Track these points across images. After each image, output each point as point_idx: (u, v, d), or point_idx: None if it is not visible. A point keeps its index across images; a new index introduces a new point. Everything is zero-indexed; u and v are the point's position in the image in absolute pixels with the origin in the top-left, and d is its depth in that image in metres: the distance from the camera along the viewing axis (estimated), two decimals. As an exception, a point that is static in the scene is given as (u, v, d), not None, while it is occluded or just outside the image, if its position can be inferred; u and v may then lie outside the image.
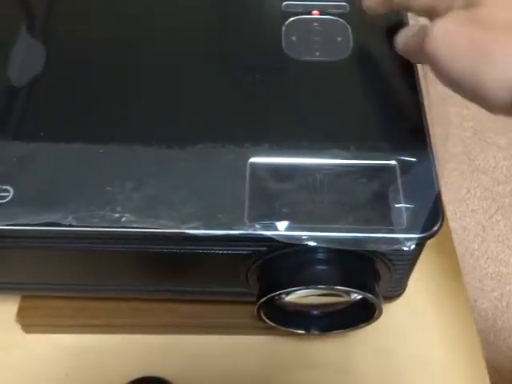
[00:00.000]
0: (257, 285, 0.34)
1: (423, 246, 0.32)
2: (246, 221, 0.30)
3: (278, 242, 0.30)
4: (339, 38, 0.39)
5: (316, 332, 0.37)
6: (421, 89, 0.35)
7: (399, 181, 0.31)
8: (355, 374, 0.41)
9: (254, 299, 0.34)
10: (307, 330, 0.37)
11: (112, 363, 0.41)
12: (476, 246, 0.93)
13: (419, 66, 0.37)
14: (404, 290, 0.37)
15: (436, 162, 0.32)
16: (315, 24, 0.39)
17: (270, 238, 0.30)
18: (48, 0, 0.41)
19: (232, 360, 0.41)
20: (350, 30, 0.39)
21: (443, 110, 0.35)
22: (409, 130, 0.34)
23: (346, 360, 0.42)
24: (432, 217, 0.30)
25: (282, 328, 0.36)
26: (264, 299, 0.33)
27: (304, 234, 0.30)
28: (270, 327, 0.37)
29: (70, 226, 0.30)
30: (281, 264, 0.32)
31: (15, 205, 0.31)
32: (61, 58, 0.37)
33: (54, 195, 0.31)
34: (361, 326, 0.36)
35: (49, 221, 0.30)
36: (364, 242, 0.30)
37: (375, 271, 0.33)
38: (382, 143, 0.33)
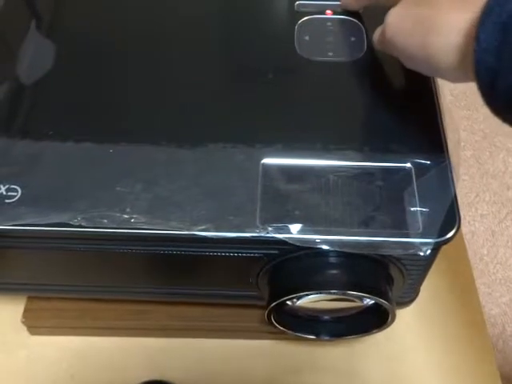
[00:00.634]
0: (267, 289, 0.33)
1: (438, 250, 0.31)
2: (257, 223, 0.29)
3: (290, 245, 0.29)
4: (353, 38, 0.38)
5: (326, 338, 0.36)
6: (436, 90, 0.35)
7: (415, 184, 0.31)
8: (364, 379, 0.41)
9: (263, 303, 0.33)
10: (317, 335, 0.36)
11: (118, 365, 0.41)
12: (485, 252, 0.92)
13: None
14: (417, 295, 0.36)
15: (452, 165, 0.32)
16: (328, 24, 0.39)
17: (283, 241, 0.29)
18: (56, 1, 0.40)
19: (239, 364, 0.41)
20: (363, 29, 0.38)
21: (452, 114, 0.34)
22: (424, 131, 0.33)
23: (355, 365, 0.41)
24: (448, 221, 0.30)
25: (292, 333, 0.36)
26: (274, 304, 0.32)
27: (317, 237, 0.29)
28: (279, 331, 0.36)
29: (79, 226, 0.29)
30: (292, 268, 0.31)
31: (23, 204, 0.30)
32: (70, 56, 0.37)
33: (62, 195, 0.31)
34: (373, 332, 0.35)
35: (57, 221, 0.29)
36: (378, 246, 0.29)
37: (389, 276, 0.32)
38: (396, 145, 0.32)
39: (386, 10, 0.36)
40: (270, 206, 0.30)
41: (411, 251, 0.29)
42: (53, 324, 0.40)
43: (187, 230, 0.29)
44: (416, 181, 0.31)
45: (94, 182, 0.31)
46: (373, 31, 0.38)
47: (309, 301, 0.32)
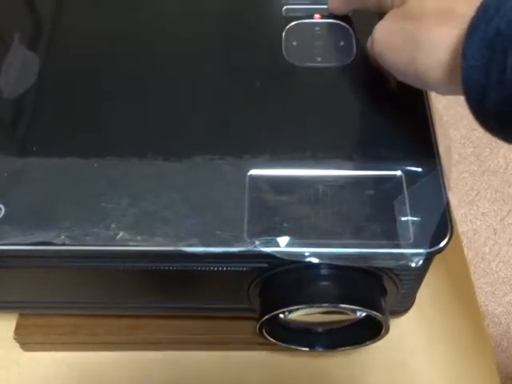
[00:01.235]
0: (258, 301, 0.33)
1: (432, 260, 0.30)
2: (245, 237, 0.29)
3: (279, 258, 0.29)
4: (342, 43, 0.37)
5: (320, 349, 0.35)
6: (427, 96, 0.34)
7: (405, 192, 0.30)
8: (363, 389, 0.40)
9: (255, 315, 0.33)
10: (311, 347, 0.35)
11: (112, 380, 0.40)
12: (487, 250, 0.91)
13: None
14: (412, 304, 0.36)
15: (444, 172, 0.31)
16: (316, 28, 0.38)
17: (271, 254, 0.28)
18: (40, 12, 0.40)
19: (234, 376, 0.40)
20: (352, 33, 0.37)
21: (443, 119, 0.34)
22: (415, 138, 0.32)
23: (352, 374, 0.40)
24: (440, 230, 0.29)
25: (285, 345, 0.35)
26: (266, 317, 0.31)
27: (306, 250, 0.29)
28: (274, 343, 0.35)
29: (63, 245, 0.29)
30: (283, 281, 0.31)
31: (7, 223, 0.30)
32: (53, 70, 0.36)
33: (46, 212, 0.30)
34: (367, 343, 0.34)
35: (41, 240, 0.29)
36: (369, 257, 0.29)
37: (381, 287, 0.31)
38: (386, 152, 0.32)
39: (375, 14, 0.35)
40: (258, 218, 0.29)
41: (403, 262, 0.28)
42: (45, 340, 0.40)
43: (173, 246, 0.29)
44: (407, 189, 0.30)
45: (78, 198, 0.31)
46: (362, 35, 0.37)
47: (300, 314, 0.32)
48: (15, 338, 0.39)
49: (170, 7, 0.40)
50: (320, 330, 0.35)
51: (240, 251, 0.29)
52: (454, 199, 0.94)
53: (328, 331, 0.35)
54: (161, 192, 0.31)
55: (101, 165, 0.32)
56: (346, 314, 0.32)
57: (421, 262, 0.28)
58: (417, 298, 0.36)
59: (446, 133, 0.32)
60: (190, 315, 0.38)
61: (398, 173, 0.31)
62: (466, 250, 0.88)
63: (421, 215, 0.29)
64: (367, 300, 0.30)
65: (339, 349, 0.35)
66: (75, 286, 0.34)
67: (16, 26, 0.39)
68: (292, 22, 0.38)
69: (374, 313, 0.30)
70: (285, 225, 0.29)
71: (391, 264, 0.29)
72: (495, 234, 0.92)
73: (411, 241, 0.29)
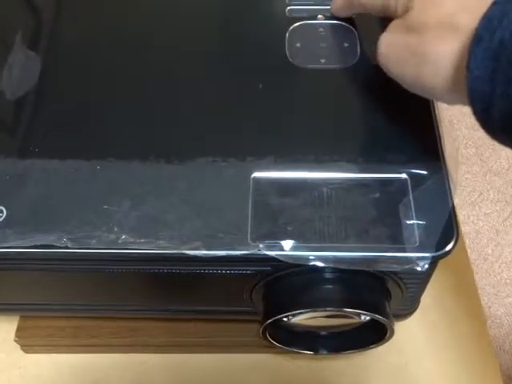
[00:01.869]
0: (262, 305, 0.32)
1: (437, 264, 0.30)
2: (249, 240, 0.29)
3: (283, 262, 0.28)
4: (346, 44, 0.37)
5: (324, 352, 0.35)
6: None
7: (411, 195, 0.30)
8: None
9: (259, 318, 0.32)
10: (315, 350, 0.35)
11: (113, 383, 0.40)
12: (490, 251, 0.91)
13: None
14: (417, 307, 0.35)
15: (449, 175, 0.31)
16: (320, 29, 0.38)
17: (275, 258, 0.28)
18: (40, 13, 0.40)
19: (237, 378, 0.40)
20: (356, 35, 0.37)
21: (451, 120, 0.33)
22: (420, 140, 0.32)
23: (355, 378, 0.40)
24: (446, 234, 0.29)
25: (289, 349, 0.35)
26: (269, 321, 0.31)
27: (310, 253, 0.28)
28: (277, 346, 0.35)
29: (66, 247, 0.29)
30: (286, 285, 0.30)
31: (8, 226, 0.29)
32: (55, 72, 0.36)
33: (48, 215, 0.30)
34: (371, 347, 0.34)
35: (43, 243, 0.29)
36: (374, 261, 0.28)
37: (386, 291, 0.31)
38: (391, 155, 0.31)
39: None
40: (262, 221, 0.29)
41: (408, 266, 0.28)
42: (47, 342, 0.40)
43: (176, 249, 0.29)
44: (412, 192, 0.30)
45: (80, 201, 0.30)
46: (367, 36, 0.37)
47: (304, 318, 0.31)
48: (16, 341, 0.39)
49: (171, 8, 0.39)
50: (324, 333, 0.35)
51: (244, 255, 0.28)
52: (457, 200, 0.93)
53: (332, 335, 0.35)
54: (163, 195, 0.30)
55: (103, 167, 0.31)
56: (351, 317, 0.32)
57: (426, 266, 0.28)
58: (422, 303, 0.36)
59: (452, 136, 0.32)
60: (192, 318, 0.38)
61: (404, 176, 0.30)
62: (468, 251, 0.87)
63: (426, 219, 0.29)
64: (371, 304, 0.30)
65: (343, 352, 0.35)
66: (77, 288, 0.34)
67: (18, 27, 0.38)
68: (295, 22, 0.38)
69: (379, 316, 0.30)
70: (289, 228, 0.29)
71: (396, 268, 0.28)
72: (498, 234, 0.92)
73: (417, 245, 0.28)
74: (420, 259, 0.28)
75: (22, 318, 0.40)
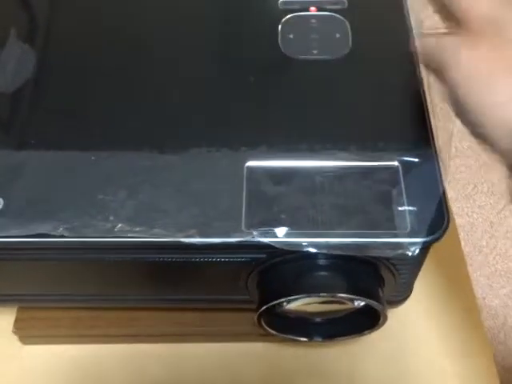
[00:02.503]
0: (257, 292, 0.33)
1: (428, 249, 0.31)
2: (243, 228, 0.29)
3: (277, 248, 0.29)
4: (337, 35, 0.37)
5: (319, 339, 0.36)
6: (423, 87, 0.34)
7: (402, 182, 0.30)
8: (361, 380, 0.40)
9: (254, 306, 0.33)
10: (310, 337, 0.36)
11: (112, 373, 0.40)
12: (484, 243, 0.92)
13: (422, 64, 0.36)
14: (409, 294, 0.36)
15: (440, 162, 0.31)
16: (313, 21, 0.38)
17: (269, 245, 0.29)
18: (37, 6, 0.40)
19: (234, 367, 0.40)
20: (348, 26, 0.38)
21: (446, 107, 0.34)
22: (411, 129, 0.33)
23: (351, 366, 0.41)
24: (437, 220, 0.29)
25: (284, 336, 0.35)
26: (264, 308, 0.31)
27: (304, 240, 0.29)
28: (272, 334, 0.35)
29: (62, 236, 0.29)
30: (281, 271, 0.31)
31: (5, 215, 0.30)
32: (51, 64, 0.36)
33: (45, 205, 0.30)
34: (365, 333, 0.34)
35: (40, 232, 0.29)
36: (366, 247, 0.29)
37: (379, 277, 0.31)
38: (383, 143, 0.32)
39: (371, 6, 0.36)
40: (256, 209, 0.30)
41: (400, 251, 0.29)
42: (45, 333, 0.40)
43: (172, 237, 0.29)
44: (403, 179, 0.30)
45: (76, 190, 0.31)
46: (358, 27, 0.37)
47: (299, 304, 0.32)
48: (14, 332, 0.40)
49: (164, 2, 0.40)
50: (318, 320, 0.35)
51: (238, 242, 0.29)
52: (452, 193, 0.94)
53: (326, 321, 0.35)
54: (159, 184, 0.31)
55: (98, 158, 0.32)
56: (344, 303, 0.32)
57: (417, 250, 0.28)
58: (414, 289, 0.36)
59: (444, 125, 0.32)
60: (189, 307, 0.39)
61: (395, 163, 0.31)
62: (463, 243, 0.88)
63: (417, 205, 0.30)
64: (365, 289, 0.31)
65: (337, 338, 0.36)
66: (74, 278, 0.34)
67: (12, 21, 0.39)
68: (288, 14, 0.38)
69: (372, 302, 0.30)
70: (282, 215, 0.29)
71: (388, 253, 0.29)
72: (492, 227, 0.93)
73: (408, 230, 0.29)
74: (411, 244, 0.28)
75: (20, 309, 0.40)
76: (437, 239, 0.29)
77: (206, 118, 0.33)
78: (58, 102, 0.35)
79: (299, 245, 0.29)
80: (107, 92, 0.35)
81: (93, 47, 0.37)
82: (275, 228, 0.29)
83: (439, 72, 0.29)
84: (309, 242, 0.29)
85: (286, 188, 0.30)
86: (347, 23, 0.38)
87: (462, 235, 0.90)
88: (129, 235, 0.29)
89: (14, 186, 0.31)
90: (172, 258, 0.31)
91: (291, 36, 0.37)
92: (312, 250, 0.29)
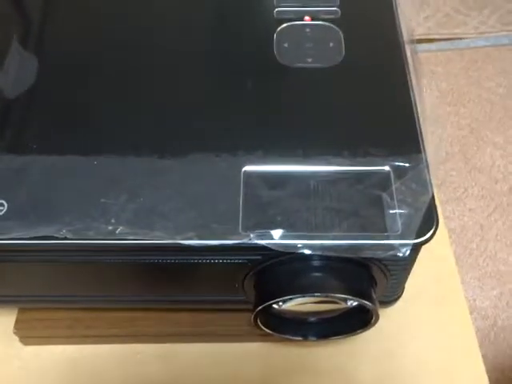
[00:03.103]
0: (253, 293, 0.34)
1: (419, 251, 0.32)
2: (240, 230, 0.30)
3: (273, 250, 0.30)
4: (331, 44, 0.39)
5: (313, 339, 0.37)
6: (414, 93, 0.35)
7: (393, 186, 0.31)
8: (355, 378, 0.41)
9: (251, 307, 0.34)
10: (304, 336, 0.37)
11: (111, 373, 0.41)
12: (474, 246, 0.93)
13: (412, 70, 0.37)
14: (401, 294, 0.37)
15: (430, 167, 0.32)
16: (307, 30, 0.39)
17: (265, 247, 0.30)
18: (39, 12, 0.41)
19: (231, 368, 0.41)
20: (341, 35, 0.39)
21: (437, 112, 0.35)
22: (402, 135, 0.34)
23: (345, 365, 0.41)
24: (427, 222, 0.30)
25: (279, 335, 0.36)
26: (260, 307, 0.32)
27: (299, 242, 0.30)
28: (268, 334, 0.36)
29: (65, 238, 0.30)
30: (276, 272, 0.32)
31: (9, 218, 0.31)
32: (53, 69, 0.37)
33: (47, 208, 0.31)
34: (358, 332, 0.35)
35: (43, 234, 0.30)
36: (359, 248, 0.30)
37: (371, 277, 0.32)
38: (375, 149, 0.33)
39: (364, 16, 0.37)
40: (252, 212, 0.31)
41: (391, 252, 0.30)
42: (45, 334, 0.41)
43: (171, 239, 0.30)
44: (394, 183, 0.32)
45: (79, 194, 0.32)
46: (351, 37, 0.39)
47: (294, 304, 0.33)
48: (15, 333, 0.40)
49: (162, 9, 0.41)
50: (313, 319, 0.36)
51: (235, 244, 0.30)
52: (442, 196, 0.95)
53: (320, 321, 0.36)
54: (158, 188, 0.32)
55: (100, 162, 0.33)
56: (338, 303, 0.33)
57: (408, 252, 0.30)
58: (405, 290, 0.37)
59: (435, 131, 0.33)
60: (186, 308, 0.39)
61: (386, 168, 0.32)
62: (453, 245, 0.89)
63: (408, 208, 0.31)
64: (357, 289, 0.32)
65: (331, 338, 0.37)
66: (75, 280, 0.35)
67: (15, 27, 0.39)
68: (283, 24, 0.40)
69: (364, 301, 0.32)
70: (278, 218, 0.31)
71: (380, 254, 0.30)
72: (482, 229, 0.94)
73: (399, 232, 0.30)
74: (402, 246, 0.30)
75: (21, 310, 0.41)
76: (426, 241, 0.30)
77: (205, 124, 0.34)
78: (60, 107, 0.36)
79: (294, 246, 0.30)
80: (108, 97, 0.36)
81: (93, 53, 0.38)
82: (271, 230, 0.30)
83: None
84: (303, 244, 0.30)
85: (282, 192, 0.31)
86: (340, 32, 0.39)
87: (452, 238, 0.91)
88: (129, 237, 0.30)
89: (17, 189, 0.32)
90: (171, 259, 0.32)
91: (286, 45, 0.38)
92: (307, 251, 0.30)
